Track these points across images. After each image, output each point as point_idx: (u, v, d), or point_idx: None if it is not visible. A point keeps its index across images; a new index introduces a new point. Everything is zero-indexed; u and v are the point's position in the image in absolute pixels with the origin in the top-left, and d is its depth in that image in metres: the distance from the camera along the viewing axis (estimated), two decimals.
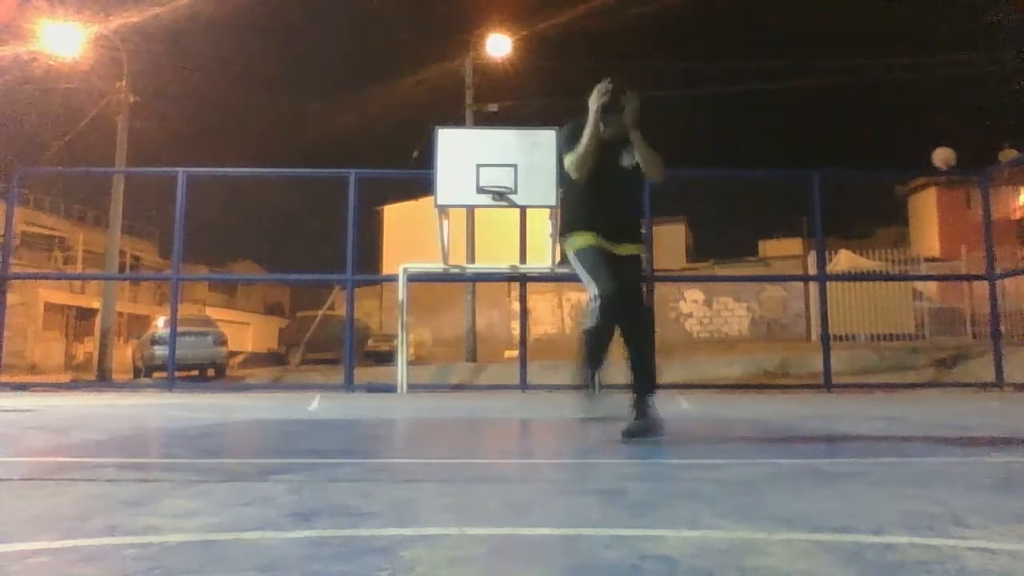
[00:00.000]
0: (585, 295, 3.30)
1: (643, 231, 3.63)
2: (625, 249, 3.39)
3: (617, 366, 3.25)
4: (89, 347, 25.61)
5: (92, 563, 1.25)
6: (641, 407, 3.22)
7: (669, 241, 25.69)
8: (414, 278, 9.67)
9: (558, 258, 9.22)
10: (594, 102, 3.24)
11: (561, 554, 1.31)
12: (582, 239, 3.36)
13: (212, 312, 27.74)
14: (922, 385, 10.24)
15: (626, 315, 3.26)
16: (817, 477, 2.26)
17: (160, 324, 16.15)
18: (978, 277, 11.67)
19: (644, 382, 3.26)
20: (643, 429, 3.17)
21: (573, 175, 3.36)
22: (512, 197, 8.62)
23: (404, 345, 9.41)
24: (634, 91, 3.26)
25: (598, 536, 1.43)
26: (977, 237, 11.97)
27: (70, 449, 3.06)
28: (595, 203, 3.40)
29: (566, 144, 3.38)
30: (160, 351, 14.63)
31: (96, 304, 21.63)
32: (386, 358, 15.20)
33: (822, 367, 9.62)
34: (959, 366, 11.55)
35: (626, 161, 3.38)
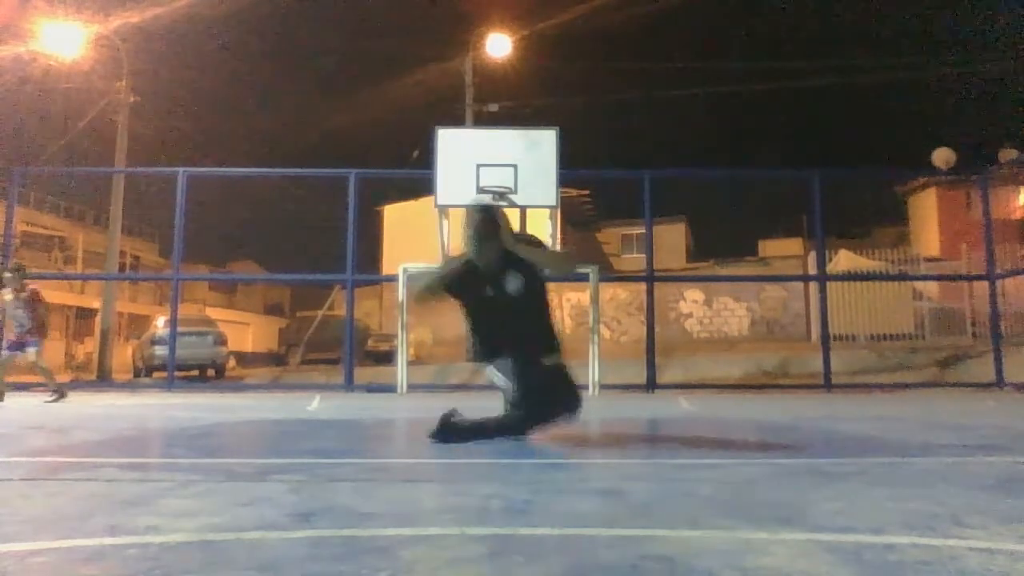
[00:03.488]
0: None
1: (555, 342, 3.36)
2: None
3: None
4: (89, 347, 25.61)
5: (92, 563, 1.25)
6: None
7: (669, 241, 25.70)
8: (414, 278, 9.66)
9: None
10: (470, 230, 3.17)
11: (561, 554, 1.31)
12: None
13: (212, 312, 27.72)
14: (922, 385, 10.23)
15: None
16: (817, 477, 2.26)
17: (160, 324, 16.15)
18: (978, 277, 11.67)
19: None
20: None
21: (416, 300, 3.34)
22: (512, 197, 8.62)
23: (404, 345, 9.41)
24: (502, 211, 3.26)
25: (598, 536, 1.43)
26: (977, 237, 11.97)
27: (70, 449, 3.06)
28: (500, 331, 3.26)
29: (439, 271, 3.38)
30: (160, 351, 14.62)
31: (96, 304, 21.63)
32: (386, 358, 15.19)
33: (822, 367, 9.62)
34: (959, 366, 11.55)
35: (511, 287, 3.20)
